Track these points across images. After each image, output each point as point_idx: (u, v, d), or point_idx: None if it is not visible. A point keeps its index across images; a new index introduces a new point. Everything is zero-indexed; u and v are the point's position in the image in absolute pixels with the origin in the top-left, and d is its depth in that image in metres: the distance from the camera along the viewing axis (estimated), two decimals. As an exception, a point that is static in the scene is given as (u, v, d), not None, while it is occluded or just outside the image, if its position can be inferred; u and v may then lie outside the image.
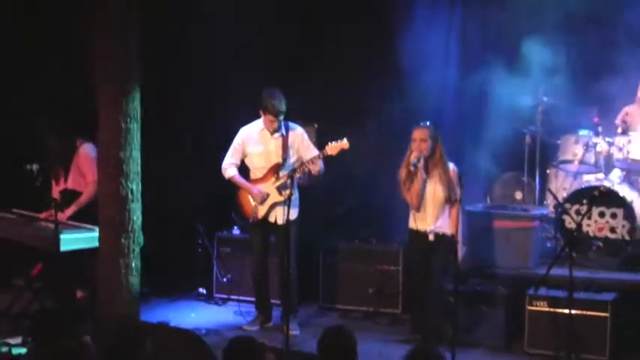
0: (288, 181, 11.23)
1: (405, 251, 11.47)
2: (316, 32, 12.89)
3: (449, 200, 10.59)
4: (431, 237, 10.61)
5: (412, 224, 10.72)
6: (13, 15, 12.61)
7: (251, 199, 11.66)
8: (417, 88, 12.67)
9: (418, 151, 10.46)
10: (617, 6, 12.16)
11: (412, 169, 10.43)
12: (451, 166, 10.63)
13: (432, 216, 10.61)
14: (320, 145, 11.77)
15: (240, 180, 11.69)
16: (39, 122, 11.66)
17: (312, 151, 11.51)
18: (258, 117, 11.57)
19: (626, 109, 12.40)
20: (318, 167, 11.45)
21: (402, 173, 10.59)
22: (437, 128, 10.60)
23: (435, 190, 10.57)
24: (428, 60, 12.77)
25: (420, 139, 10.49)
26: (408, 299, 11.79)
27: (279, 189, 11.47)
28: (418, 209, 10.62)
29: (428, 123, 10.63)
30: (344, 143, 11.17)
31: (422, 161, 10.45)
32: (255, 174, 11.70)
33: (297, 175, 11.30)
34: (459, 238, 10.59)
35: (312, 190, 12.01)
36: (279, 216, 11.52)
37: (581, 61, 12.37)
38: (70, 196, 11.62)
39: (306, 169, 11.42)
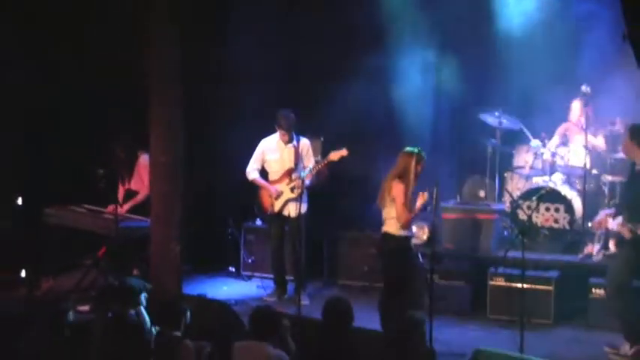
0: (300, 182, 11.34)
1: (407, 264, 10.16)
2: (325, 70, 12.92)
3: None
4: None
5: (405, 233, 9.99)
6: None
7: (269, 197, 11.75)
8: (403, 112, 12.77)
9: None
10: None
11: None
12: None
13: None
14: (324, 154, 11.87)
15: (260, 181, 11.77)
16: (112, 137, 11.79)
17: (312, 160, 11.64)
18: (275, 131, 11.67)
19: (565, 125, 12.45)
20: (323, 170, 11.58)
21: (409, 194, 9.85)
22: None
23: None
24: (412, 90, 12.85)
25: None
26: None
27: (292, 189, 11.54)
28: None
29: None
30: (343, 151, 11.23)
31: None
32: (272, 176, 11.77)
33: (307, 177, 11.39)
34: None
35: (318, 189, 12.07)
36: (291, 210, 11.60)
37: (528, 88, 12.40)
38: (131, 194, 11.81)
39: (314, 173, 11.51)
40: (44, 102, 12.32)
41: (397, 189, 9.81)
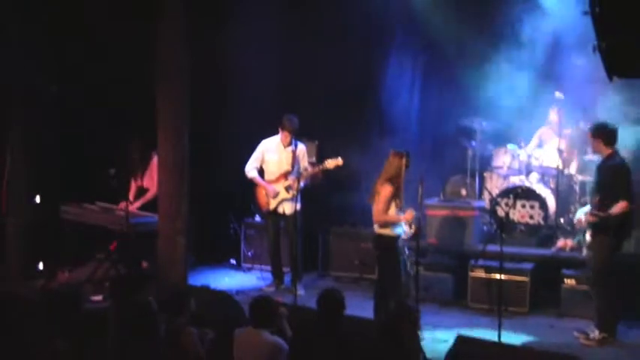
0: (295, 184, 11.36)
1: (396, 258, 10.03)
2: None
3: None
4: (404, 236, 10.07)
5: (394, 232, 9.86)
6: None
7: (266, 195, 11.76)
8: (391, 117, 12.76)
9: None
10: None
11: None
12: None
13: None
14: (319, 157, 11.89)
15: (259, 180, 11.77)
16: (128, 141, 11.82)
17: (306, 163, 11.65)
18: (276, 132, 11.67)
19: (541, 129, 12.49)
20: (318, 174, 11.60)
21: (392, 190, 9.77)
22: None
23: None
24: (398, 96, 12.84)
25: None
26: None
27: (287, 189, 11.56)
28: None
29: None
30: (339, 161, 11.26)
31: None
32: (269, 176, 11.76)
33: (302, 180, 11.39)
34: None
35: (313, 188, 12.09)
36: (286, 208, 11.64)
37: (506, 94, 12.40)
38: (143, 191, 11.88)
39: (308, 176, 11.52)
40: (59, 105, 12.29)
41: (385, 191, 9.76)
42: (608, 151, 9.80)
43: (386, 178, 9.80)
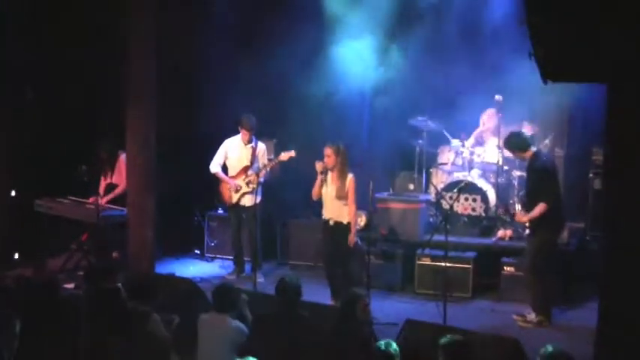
0: (255, 178, 11.40)
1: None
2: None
3: (341, 199, 10.27)
4: (331, 223, 10.36)
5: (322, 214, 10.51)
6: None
7: (228, 189, 11.79)
8: (344, 118, 12.78)
9: (325, 163, 10.26)
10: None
11: (321, 176, 10.30)
12: (350, 175, 10.30)
13: (330, 209, 10.38)
14: (277, 154, 11.91)
15: (221, 175, 11.79)
16: (98, 141, 11.82)
17: (266, 160, 11.73)
18: (238, 132, 11.70)
19: (477, 131, 12.55)
20: (275, 168, 11.66)
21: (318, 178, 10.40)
22: (340, 147, 10.29)
23: (332, 191, 10.29)
24: (353, 98, 12.85)
25: (326, 154, 10.27)
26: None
27: (248, 183, 11.60)
28: (321, 204, 10.44)
29: (335, 143, 10.33)
30: (292, 153, 11.33)
31: (322, 170, 10.31)
32: (231, 172, 11.79)
33: (261, 174, 11.44)
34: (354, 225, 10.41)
35: (273, 182, 12.13)
36: (247, 201, 11.66)
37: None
38: (112, 187, 11.88)
39: (267, 170, 11.57)
40: (35, 106, 12.24)
41: None
42: (527, 155, 9.98)
43: None
